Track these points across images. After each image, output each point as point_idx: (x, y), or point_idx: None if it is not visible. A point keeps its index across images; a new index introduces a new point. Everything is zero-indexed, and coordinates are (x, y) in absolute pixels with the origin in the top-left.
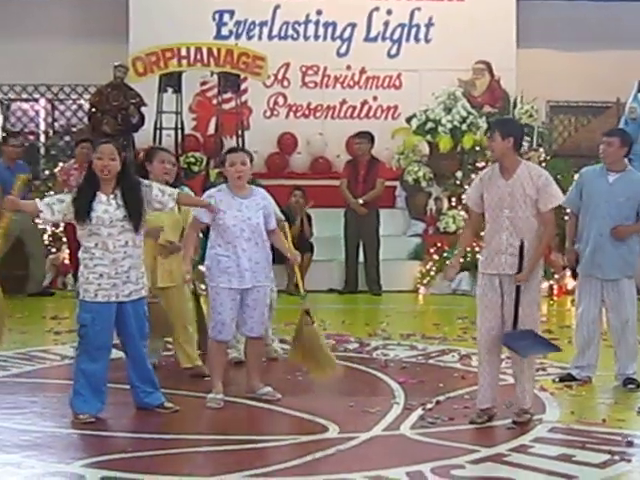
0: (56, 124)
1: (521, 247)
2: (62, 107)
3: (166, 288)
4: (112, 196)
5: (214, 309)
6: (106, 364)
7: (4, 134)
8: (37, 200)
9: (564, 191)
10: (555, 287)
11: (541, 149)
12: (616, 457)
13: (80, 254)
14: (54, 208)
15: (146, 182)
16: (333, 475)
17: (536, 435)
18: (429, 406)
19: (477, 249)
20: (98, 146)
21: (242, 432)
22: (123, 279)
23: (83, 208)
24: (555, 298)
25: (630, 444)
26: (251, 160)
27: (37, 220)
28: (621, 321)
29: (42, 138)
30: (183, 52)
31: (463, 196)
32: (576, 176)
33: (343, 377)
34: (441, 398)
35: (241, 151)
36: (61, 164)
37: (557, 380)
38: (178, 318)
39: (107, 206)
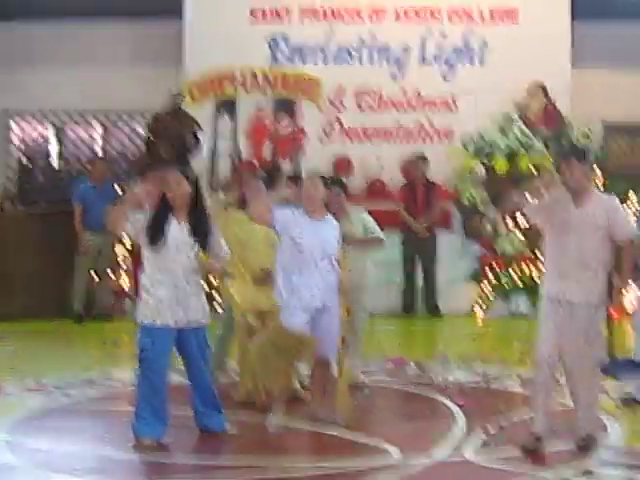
0: (112, 150)
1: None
2: (118, 134)
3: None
4: (183, 222)
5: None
6: (166, 386)
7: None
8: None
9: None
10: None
11: (598, 171)
12: None
13: (144, 277)
14: (136, 226)
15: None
16: None
17: (601, 459)
18: (492, 431)
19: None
20: (164, 177)
21: (304, 458)
22: (183, 305)
23: (158, 231)
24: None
25: None
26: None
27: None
28: None
29: None
30: (238, 77)
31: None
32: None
33: (404, 401)
34: (503, 423)
35: (315, 176)
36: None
37: (620, 404)
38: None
39: (177, 232)
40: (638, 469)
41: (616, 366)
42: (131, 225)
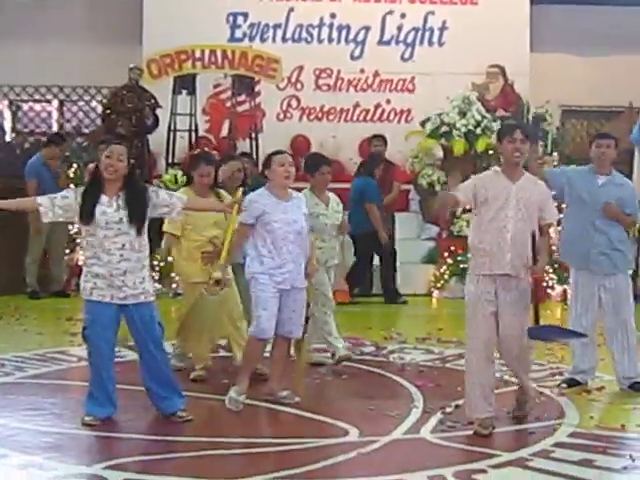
0: (68, 125)
1: (533, 238)
2: (74, 108)
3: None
4: (115, 198)
5: (257, 306)
6: (109, 366)
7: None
8: (38, 197)
9: None
10: (569, 291)
11: (555, 154)
12: (637, 462)
13: (82, 252)
14: (55, 202)
15: (153, 187)
16: (355, 479)
17: (557, 440)
18: (448, 410)
19: None
20: (109, 146)
21: (263, 435)
22: (118, 282)
23: (87, 208)
24: (569, 302)
25: None
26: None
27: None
28: (619, 321)
29: None
30: (197, 54)
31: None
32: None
33: (362, 381)
34: (460, 402)
35: (287, 153)
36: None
37: (564, 386)
38: (230, 316)
39: (107, 208)
40: (593, 450)
41: (542, 330)
42: (48, 201)
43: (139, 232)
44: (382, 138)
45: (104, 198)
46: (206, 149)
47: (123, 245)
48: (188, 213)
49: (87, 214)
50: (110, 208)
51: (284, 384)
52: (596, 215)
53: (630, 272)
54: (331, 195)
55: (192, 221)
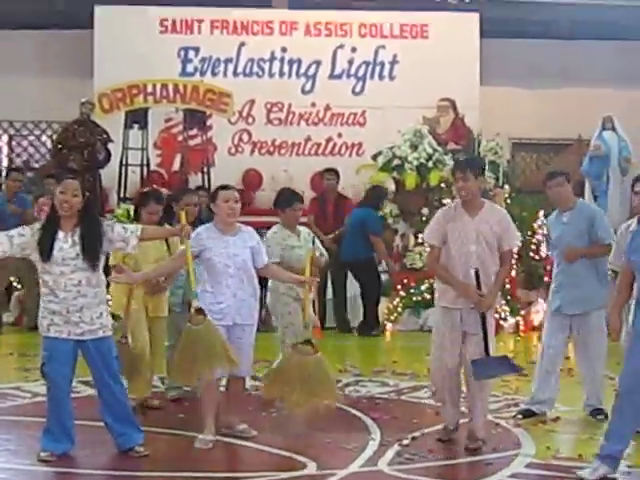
0: (18, 160)
1: (477, 274)
2: (24, 143)
3: (154, 318)
4: (70, 234)
5: None
6: (67, 402)
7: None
8: None
9: (531, 228)
10: (521, 323)
11: (506, 186)
12: None
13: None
14: (13, 241)
15: (108, 221)
16: None
17: (514, 471)
18: (405, 442)
19: None
20: (62, 181)
21: (221, 469)
22: (74, 319)
23: (45, 245)
24: (522, 334)
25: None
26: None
27: None
28: (589, 354)
29: (3, 174)
30: (149, 88)
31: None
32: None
33: (318, 414)
34: (416, 434)
35: (233, 188)
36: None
37: (519, 417)
38: (159, 348)
39: (63, 244)
40: None
41: (484, 367)
42: (6, 238)
43: (94, 268)
44: (334, 172)
45: (60, 234)
46: (155, 186)
47: (79, 281)
48: (135, 253)
49: (46, 251)
50: (66, 244)
51: (241, 418)
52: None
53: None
54: (302, 229)
55: (133, 256)
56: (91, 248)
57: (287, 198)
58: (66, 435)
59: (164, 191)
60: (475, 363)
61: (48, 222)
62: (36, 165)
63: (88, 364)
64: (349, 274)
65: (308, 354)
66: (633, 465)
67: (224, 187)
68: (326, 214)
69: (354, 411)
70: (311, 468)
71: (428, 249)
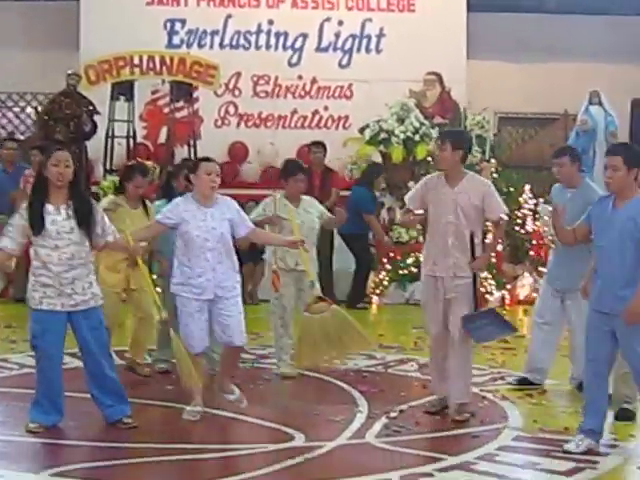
0: (3, 131)
1: (471, 238)
2: (10, 114)
3: (139, 290)
4: (63, 206)
5: (181, 321)
6: (59, 374)
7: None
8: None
9: (517, 203)
10: (507, 297)
11: (493, 160)
12: (582, 465)
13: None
14: (11, 236)
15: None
16: None
17: (501, 443)
18: (392, 415)
19: None
20: (53, 152)
21: (210, 441)
22: (68, 290)
23: (38, 221)
24: (507, 307)
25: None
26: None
27: None
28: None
29: None
30: (135, 60)
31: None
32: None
33: (305, 386)
34: (403, 407)
35: (214, 161)
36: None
37: (514, 383)
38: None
39: (55, 216)
40: (537, 453)
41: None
42: (8, 240)
43: (90, 240)
44: (322, 145)
45: (50, 207)
46: (139, 160)
47: (72, 255)
48: (116, 225)
49: (38, 225)
50: (59, 217)
51: (232, 386)
52: None
53: None
54: (305, 198)
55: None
56: (86, 221)
57: (290, 168)
58: (55, 407)
59: (149, 164)
60: (471, 327)
61: (35, 195)
62: (21, 137)
63: (77, 336)
64: (334, 249)
65: (323, 311)
66: (618, 439)
67: (206, 159)
68: (312, 187)
69: (342, 384)
70: (299, 440)
71: None
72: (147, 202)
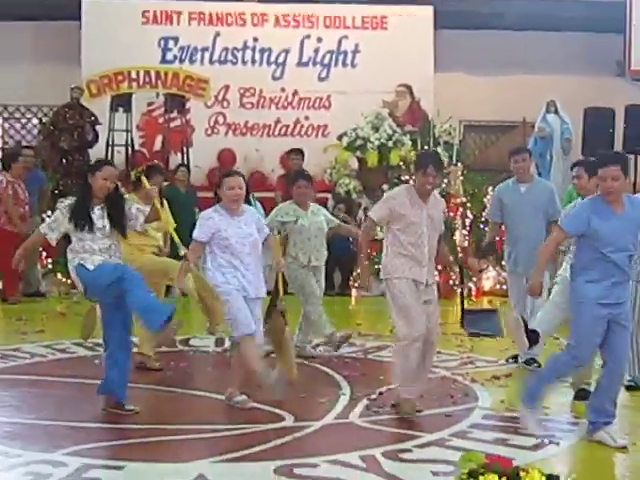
0: (11, 140)
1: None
2: (17, 125)
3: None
4: (99, 207)
5: (230, 310)
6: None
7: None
8: (39, 228)
9: (480, 202)
10: (473, 289)
11: (459, 164)
12: (545, 440)
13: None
14: (52, 227)
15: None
16: (296, 460)
17: (472, 422)
18: (373, 397)
19: None
20: (103, 167)
21: (208, 422)
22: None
23: (84, 219)
24: (474, 299)
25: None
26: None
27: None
28: (533, 308)
29: None
30: (133, 75)
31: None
32: (491, 191)
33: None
34: (383, 389)
35: (237, 174)
36: None
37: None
38: None
39: (96, 216)
40: (505, 430)
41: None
42: (49, 230)
43: (123, 235)
44: (300, 152)
45: (95, 208)
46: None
47: (106, 247)
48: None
49: (83, 222)
50: (98, 217)
51: (222, 377)
52: (520, 220)
53: None
54: (314, 205)
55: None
56: (118, 220)
57: (293, 177)
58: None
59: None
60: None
61: (84, 197)
62: (27, 145)
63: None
64: None
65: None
66: (578, 417)
67: (229, 174)
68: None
69: (326, 369)
70: (289, 420)
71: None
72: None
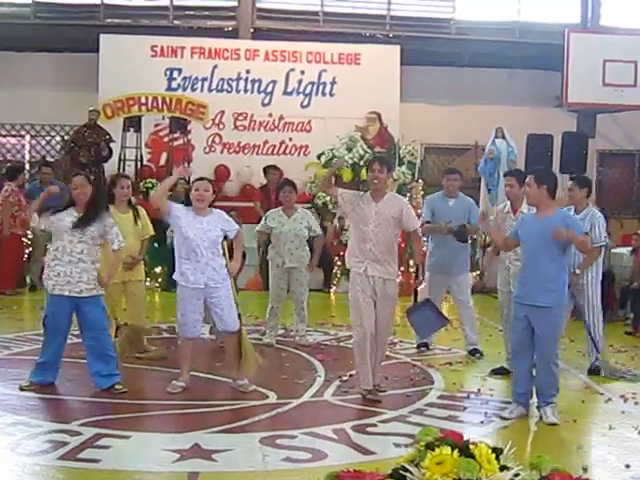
0: (37, 155)
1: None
2: (42, 142)
3: (134, 281)
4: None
5: (178, 309)
6: (62, 346)
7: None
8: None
9: None
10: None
11: (420, 181)
12: (492, 418)
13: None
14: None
15: (110, 219)
16: (277, 432)
17: (428, 401)
18: (344, 378)
19: None
20: (73, 177)
21: (202, 398)
22: (76, 279)
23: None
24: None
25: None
26: (213, 189)
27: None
28: (463, 303)
29: (27, 167)
30: (142, 100)
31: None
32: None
33: (276, 356)
34: (352, 372)
35: (206, 180)
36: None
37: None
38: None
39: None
40: (456, 409)
41: (418, 314)
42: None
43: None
44: (276, 168)
45: (74, 212)
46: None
47: (82, 248)
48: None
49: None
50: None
51: (215, 360)
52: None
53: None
54: (301, 211)
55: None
56: (84, 223)
57: (280, 185)
58: (50, 372)
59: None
60: (415, 322)
61: (67, 202)
62: (51, 160)
63: (82, 319)
64: None
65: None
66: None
67: (198, 179)
68: (270, 201)
69: (304, 354)
70: (272, 398)
71: None
72: (138, 208)
